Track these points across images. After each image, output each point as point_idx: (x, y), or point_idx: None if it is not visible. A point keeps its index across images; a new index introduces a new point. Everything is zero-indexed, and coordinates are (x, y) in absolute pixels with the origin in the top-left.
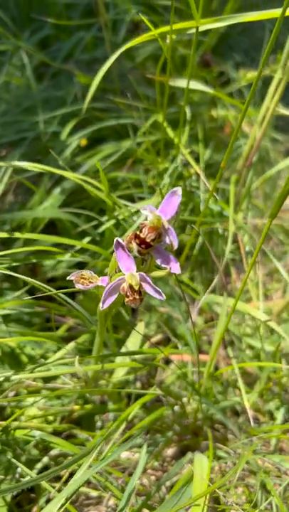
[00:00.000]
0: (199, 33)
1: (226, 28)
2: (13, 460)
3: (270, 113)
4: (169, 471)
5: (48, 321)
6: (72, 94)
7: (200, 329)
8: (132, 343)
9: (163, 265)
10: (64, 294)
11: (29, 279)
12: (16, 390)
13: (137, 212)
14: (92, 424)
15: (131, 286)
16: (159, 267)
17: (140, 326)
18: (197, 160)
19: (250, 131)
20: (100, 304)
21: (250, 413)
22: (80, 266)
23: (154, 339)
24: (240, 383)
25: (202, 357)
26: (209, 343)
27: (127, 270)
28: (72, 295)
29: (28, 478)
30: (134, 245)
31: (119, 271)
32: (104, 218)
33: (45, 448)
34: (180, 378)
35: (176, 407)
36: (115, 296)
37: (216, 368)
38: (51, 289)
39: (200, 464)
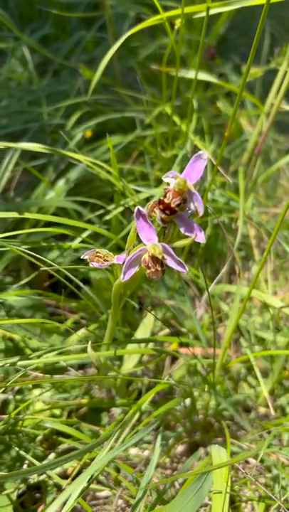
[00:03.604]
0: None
1: (225, 30)
2: (22, 452)
3: (280, 97)
4: (179, 468)
5: (52, 315)
6: (76, 89)
7: (208, 323)
8: (141, 335)
9: (187, 233)
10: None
11: (42, 258)
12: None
13: (146, 200)
14: (99, 421)
15: (153, 257)
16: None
17: (149, 318)
18: None
19: (253, 130)
20: (121, 276)
21: (268, 397)
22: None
23: (162, 333)
24: (256, 369)
25: (212, 351)
26: (218, 338)
27: (148, 241)
28: (78, 288)
29: (35, 475)
30: (157, 212)
31: (138, 244)
32: (111, 207)
33: (51, 445)
34: (190, 372)
35: (187, 401)
36: (136, 268)
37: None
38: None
39: (218, 454)
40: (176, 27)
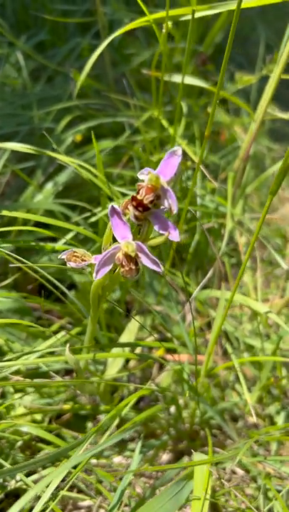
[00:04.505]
0: (194, 41)
1: (221, 40)
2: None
3: (267, 101)
4: (164, 475)
5: (39, 320)
6: (68, 94)
7: (196, 329)
8: (126, 340)
9: (161, 231)
10: (57, 290)
11: (32, 265)
12: (2, 388)
13: None
14: (83, 428)
15: (126, 255)
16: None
17: (134, 323)
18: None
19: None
20: (94, 275)
21: (252, 406)
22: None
23: (149, 339)
24: (241, 377)
25: (199, 357)
26: (206, 345)
27: (122, 239)
28: (64, 294)
29: (13, 481)
30: (130, 209)
31: (114, 242)
32: (98, 210)
33: (33, 453)
34: (176, 378)
35: (172, 409)
36: (109, 266)
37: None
38: (46, 276)
39: (200, 461)
40: (163, 30)
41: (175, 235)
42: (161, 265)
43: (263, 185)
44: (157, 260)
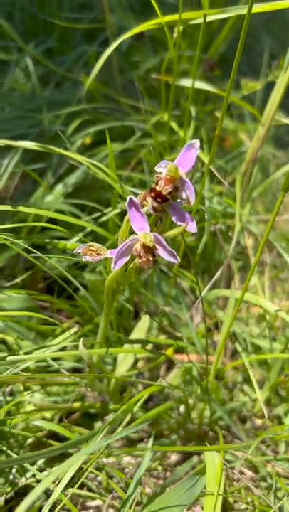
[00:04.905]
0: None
1: (226, 50)
2: (12, 454)
3: (276, 103)
4: (173, 475)
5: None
6: (77, 98)
7: (204, 330)
8: (136, 337)
9: (178, 223)
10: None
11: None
12: (12, 386)
13: None
14: (91, 427)
15: (144, 246)
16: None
17: (144, 322)
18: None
19: (250, 142)
20: (112, 265)
21: (263, 405)
22: (82, 264)
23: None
24: (251, 374)
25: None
26: (213, 346)
27: (140, 230)
28: (74, 291)
29: (23, 479)
30: (149, 200)
31: (131, 234)
32: (108, 210)
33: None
34: (185, 381)
35: (181, 409)
36: (127, 258)
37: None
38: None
39: (212, 458)
40: (174, 34)
41: (192, 227)
42: (177, 257)
43: (268, 191)
44: (174, 252)
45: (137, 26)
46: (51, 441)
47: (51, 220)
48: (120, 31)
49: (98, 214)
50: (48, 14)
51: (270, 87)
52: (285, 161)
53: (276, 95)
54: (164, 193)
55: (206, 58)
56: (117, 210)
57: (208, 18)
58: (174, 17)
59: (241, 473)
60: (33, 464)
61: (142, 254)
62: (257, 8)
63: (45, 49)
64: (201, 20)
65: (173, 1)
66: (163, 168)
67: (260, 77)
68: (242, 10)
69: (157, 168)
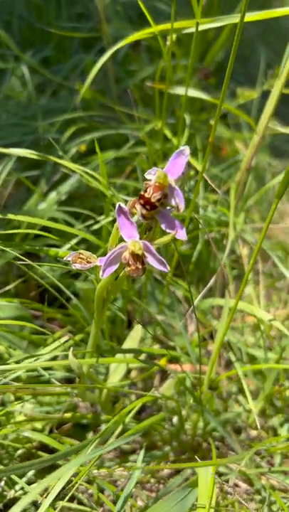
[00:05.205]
0: (195, 59)
1: (222, 60)
2: None
3: (268, 116)
4: (166, 487)
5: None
6: (72, 106)
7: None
8: (128, 347)
9: (168, 230)
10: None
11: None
12: (2, 395)
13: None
14: (82, 438)
15: (133, 254)
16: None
17: (137, 331)
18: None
19: (246, 151)
20: (100, 273)
21: (257, 418)
22: (75, 273)
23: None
24: (245, 385)
25: (202, 368)
26: (208, 355)
27: (129, 238)
28: (66, 300)
29: (12, 492)
30: (138, 208)
31: (120, 242)
32: (101, 217)
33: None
34: (179, 391)
35: (174, 420)
36: (116, 266)
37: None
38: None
39: (204, 471)
40: (167, 42)
41: (182, 234)
42: (167, 265)
43: (263, 200)
44: (164, 260)
45: (131, 36)
46: (41, 453)
47: (45, 228)
48: (117, 41)
49: (92, 222)
50: (46, 23)
51: (266, 96)
52: (281, 170)
53: (270, 103)
54: (152, 200)
55: (202, 67)
56: (110, 218)
57: (201, 27)
58: (167, 26)
59: (235, 485)
60: (22, 476)
61: (130, 263)
62: (251, 16)
63: (41, 58)
64: (195, 29)
65: (168, 10)
66: (152, 175)
67: (257, 85)
68: (235, 19)
69: (147, 175)
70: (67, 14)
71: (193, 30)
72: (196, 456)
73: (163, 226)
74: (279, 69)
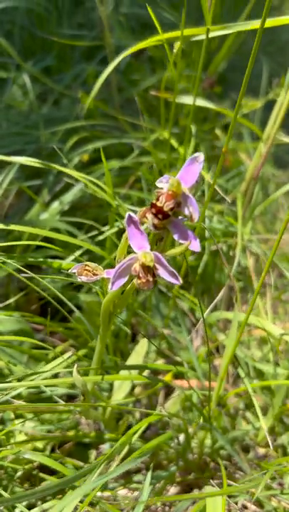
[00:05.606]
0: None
1: (224, 70)
2: None
3: (276, 128)
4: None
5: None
6: (74, 115)
7: (205, 353)
8: (133, 363)
9: (180, 241)
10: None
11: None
12: (3, 413)
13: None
14: (86, 458)
15: (144, 266)
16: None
17: (142, 346)
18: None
19: (251, 162)
20: (109, 286)
21: (268, 435)
22: (77, 284)
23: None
24: (255, 402)
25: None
26: (215, 371)
27: (139, 249)
28: (69, 313)
29: None
30: (149, 217)
31: (130, 253)
32: (105, 228)
33: (31, 485)
34: (185, 407)
35: (181, 438)
36: (125, 278)
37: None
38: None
39: (212, 492)
40: (174, 50)
41: (196, 245)
42: (179, 277)
43: (268, 210)
44: (176, 272)
45: (136, 44)
46: (42, 475)
47: (46, 238)
48: (119, 50)
49: (95, 232)
50: (47, 33)
51: (267, 107)
52: (285, 180)
53: (278, 113)
54: (165, 209)
55: (207, 76)
56: (115, 229)
57: (211, 34)
58: (176, 33)
59: (244, 507)
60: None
61: (141, 275)
62: (257, 24)
63: (43, 67)
64: (202, 37)
65: (171, 21)
66: (164, 183)
67: (259, 96)
68: (243, 26)
69: (158, 183)
70: (69, 24)
71: (199, 38)
72: (204, 478)
73: (175, 236)
74: (284, 78)
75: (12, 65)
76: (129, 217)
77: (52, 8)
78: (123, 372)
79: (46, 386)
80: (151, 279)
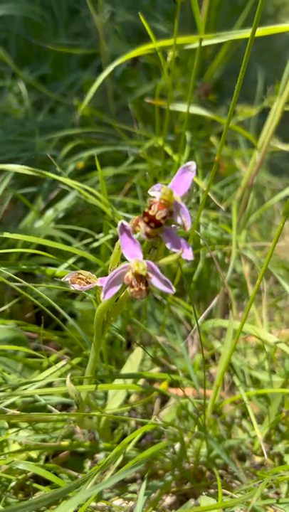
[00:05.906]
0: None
1: (220, 77)
2: None
3: (270, 135)
4: None
5: (37, 351)
6: (70, 123)
7: (201, 361)
8: (128, 372)
9: (173, 250)
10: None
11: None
12: None
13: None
14: (81, 468)
15: (136, 274)
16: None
17: (137, 354)
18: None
19: (246, 170)
20: (102, 295)
21: (263, 444)
22: (72, 292)
23: (151, 372)
24: (250, 411)
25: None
26: (210, 379)
27: (132, 257)
28: (63, 321)
29: None
30: (141, 225)
31: (123, 262)
32: (100, 235)
33: (27, 495)
34: (180, 416)
35: (176, 447)
36: (118, 287)
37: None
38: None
39: (207, 503)
40: (168, 59)
41: (188, 254)
42: (172, 286)
43: (263, 217)
44: (168, 281)
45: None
46: (36, 485)
47: (41, 246)
48: (115, 59)
49: (90, 240)
50: (43, 41)
51: (262, 115)
52: (280, 187)
53: (272, 120)
54: (157, 217)
55: (202, 83)
56: (109, 236)
57: (204, 43)
58: (169, 41)
59: None
60: None
61: (133, 284)
62: (260, 31)
63: (39, 75)
64: (195, 45)
65: (165, 31)
66: (156, 192)
67: (255, 104)
68: (236, 35)
69: (151, 192)
70: (65, 32)
71: (193, 46)
72: (200, 487)
73: (168, 245)
74: (278, 86)
75: (8, 73)
76: (122, 225)
77: (48, 16)
78: (118, 381)
79: (40, 395)
80: (144, 287)
